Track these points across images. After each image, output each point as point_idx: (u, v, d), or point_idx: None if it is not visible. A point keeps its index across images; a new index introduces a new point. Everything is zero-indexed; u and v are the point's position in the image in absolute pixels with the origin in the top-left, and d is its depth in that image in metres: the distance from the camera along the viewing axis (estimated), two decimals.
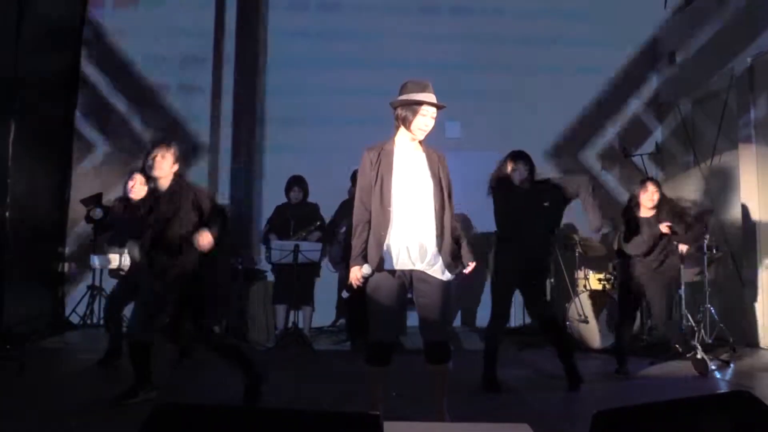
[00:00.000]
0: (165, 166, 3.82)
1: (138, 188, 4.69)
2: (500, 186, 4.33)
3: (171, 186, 3.85)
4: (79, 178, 7.20)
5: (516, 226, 4.25)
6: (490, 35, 7.58)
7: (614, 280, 6.05)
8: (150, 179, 4.42)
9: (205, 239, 3.72)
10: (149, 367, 3.80)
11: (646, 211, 4.76)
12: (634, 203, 4.82)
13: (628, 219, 4.80)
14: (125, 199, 4.77)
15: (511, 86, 7.29)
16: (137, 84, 7.42)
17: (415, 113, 3.06)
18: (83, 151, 7.30)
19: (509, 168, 4.31)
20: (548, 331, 4.39)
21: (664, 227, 4.63)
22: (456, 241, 3.15)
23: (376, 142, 3.17)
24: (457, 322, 7.00)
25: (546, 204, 4.27)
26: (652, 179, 4.97)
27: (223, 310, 6.07)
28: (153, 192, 3.90)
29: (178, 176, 3.90)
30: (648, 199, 4.72)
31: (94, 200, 5.63)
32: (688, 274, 5.65)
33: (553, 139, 7.38)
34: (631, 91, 7.70)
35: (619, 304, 4.99)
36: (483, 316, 7.21)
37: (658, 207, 4.74)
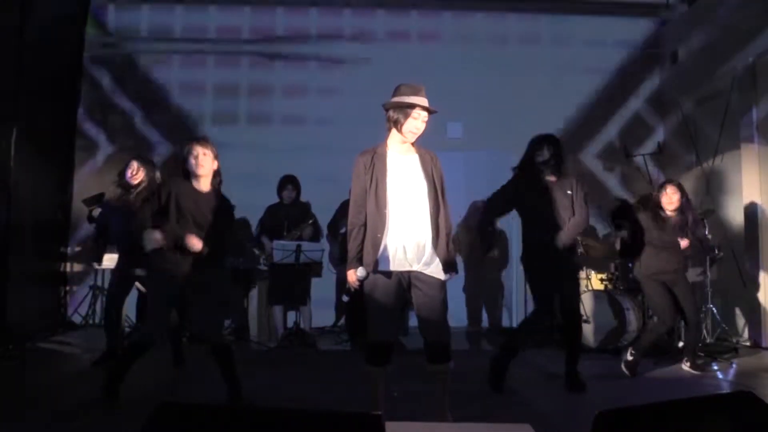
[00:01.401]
0: (207, 163, 3.65)
1: (138, 175, 4.69)
2: (525, 178, 4.23)
3: (213, 191, 3.69)
4: (81, 178, 7.20)
5: (550, 222, 4.12)
6: (490, 35, 7.58)
7: (615, 280, 6.04)
8: (148, 165, 4.42)
9: (192, 242, 3.56)
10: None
11: (665, 213, 4.69)
12: (651, 205, 4.74)
13: (635, 220, 4.75)
14: (125, 185, 4.73)
15: (512, 86, 7.28)
16: (141, 83, 7.42)
17: (407, 116, 3.06)
18: (86, 150, 7.31)
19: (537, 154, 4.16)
20: (569, 331, 4.24)
21: (684, 243, 4.59)
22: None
23: (369, 146, 3.17)
24: (462, 321, 6.96)
25: (570, 193, 4.17)
26: (673, 181, 4.85)
27: (228, 310, 6.05)
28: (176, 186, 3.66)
29: (218, 176, 3.73)
30: (668, 201, 4.66)
31: (96, 200, 5.63)
32: (690, 275, 5.64)
33: None
34: (633, 91, 7.68)
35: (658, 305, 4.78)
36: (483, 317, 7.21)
37: (679, 210, 4.65)
